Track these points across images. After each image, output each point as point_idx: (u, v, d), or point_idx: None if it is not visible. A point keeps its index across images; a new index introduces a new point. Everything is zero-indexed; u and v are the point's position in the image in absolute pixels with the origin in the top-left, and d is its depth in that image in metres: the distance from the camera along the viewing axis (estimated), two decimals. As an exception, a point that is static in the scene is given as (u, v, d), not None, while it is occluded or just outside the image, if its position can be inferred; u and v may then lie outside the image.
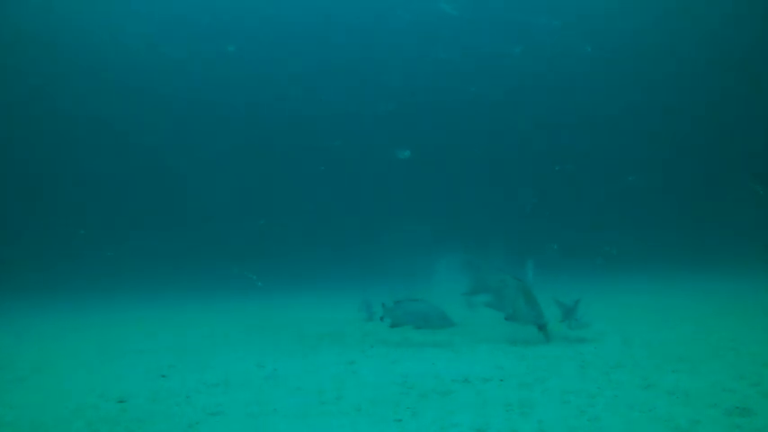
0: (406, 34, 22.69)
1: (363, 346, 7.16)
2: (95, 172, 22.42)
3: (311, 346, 7.29)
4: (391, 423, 4.05)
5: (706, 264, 16.59)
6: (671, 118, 22.92)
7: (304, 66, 23.07)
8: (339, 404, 4.56)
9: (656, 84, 22.92)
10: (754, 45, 21.35)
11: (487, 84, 22.87)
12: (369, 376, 5.49)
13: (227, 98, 23.27)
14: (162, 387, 5.33)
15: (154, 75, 22.52)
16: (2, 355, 7.55)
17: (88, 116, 22.18)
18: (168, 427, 4.16)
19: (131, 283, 17.09)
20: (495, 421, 3.99)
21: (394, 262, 14.79)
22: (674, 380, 4.91)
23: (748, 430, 3.65)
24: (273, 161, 23.55)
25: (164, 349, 7.47)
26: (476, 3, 21.85)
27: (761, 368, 5.19)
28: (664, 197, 21.96)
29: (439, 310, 6.88)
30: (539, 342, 6.81)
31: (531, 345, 6.76)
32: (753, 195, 19.32)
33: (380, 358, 6.36)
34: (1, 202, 20.85)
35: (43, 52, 21.22)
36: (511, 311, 6.87)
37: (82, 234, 19.80)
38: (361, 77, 23.39)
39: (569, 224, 20.87)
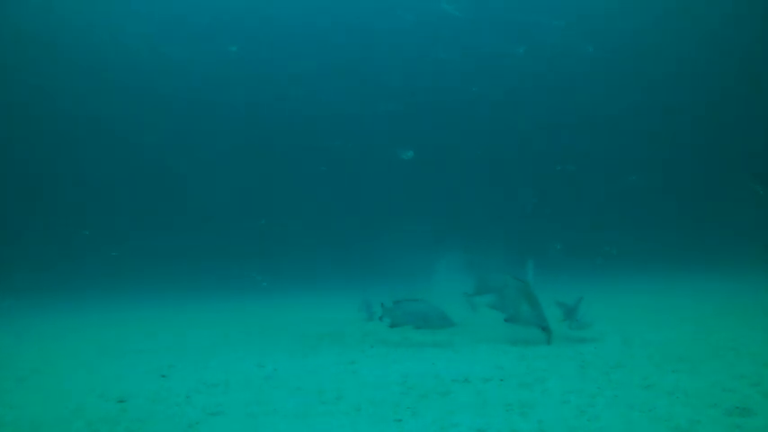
0: (406, 34, 22.69)
1: (363, 346, 7.16)
2: (95, 172, 22.42)
3: (311, 346, 7.29)
4: (391, 423, 4.05)
5: (706, 264, 16.58)
6: (671, 118, 22.92)
7: (304, 66, 23.07)
8: (339, 404, 4.56)
9: (656, 84, 22.91)
10: (754, 45, 21.35)
11: (488, 84, 22.87)
12: (369, 376, 5.49)
13: (228, 98, 23.27)
14: (162, 387, 5.33)
15: (154, 75, 22.53)
16: (2, 355, 7.55)
17: (88, 116, 22.19)
18: (168, 427, 4.16)
19: (131, 283, 17.10)
20: (495, 421, 3.99)
21: (394, 262, 14.79)
22: (674, 380, 4.91)
23: (748, 430, 3.65)
24: (274, 161, 23.55)
25: (164, 349, 7.47)
26: (476, 3, 21.85)
27: (761, 368, 5.19)
28: (664, 197, 21.95)
29: (439, 310, 6.88)
30: (539, 342, 6.81)
31: (531, 345, 6.76)
32: (753, 195, 19.32)
33: (380, 358, 6.36)
34: (1, 202, 20.85)
35: (43, 52, 21.22)
36: (513, 313, 6.86)
37: (86, 234, 19.81)
38: (361, 77, 23.39)
39: (569, 224, 20.87)
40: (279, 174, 23.57)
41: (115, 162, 22.43)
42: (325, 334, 8.30)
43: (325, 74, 23.28)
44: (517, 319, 6.82)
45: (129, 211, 22.26)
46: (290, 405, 4.59)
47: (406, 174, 22.21)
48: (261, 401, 4.72)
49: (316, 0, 22.20)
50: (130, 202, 22.48)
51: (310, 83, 23.27)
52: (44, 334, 9.48)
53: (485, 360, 6.03)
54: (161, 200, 22.50)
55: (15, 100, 21.41)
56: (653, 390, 4.63)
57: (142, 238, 20.73)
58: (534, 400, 4.47)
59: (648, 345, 6.51)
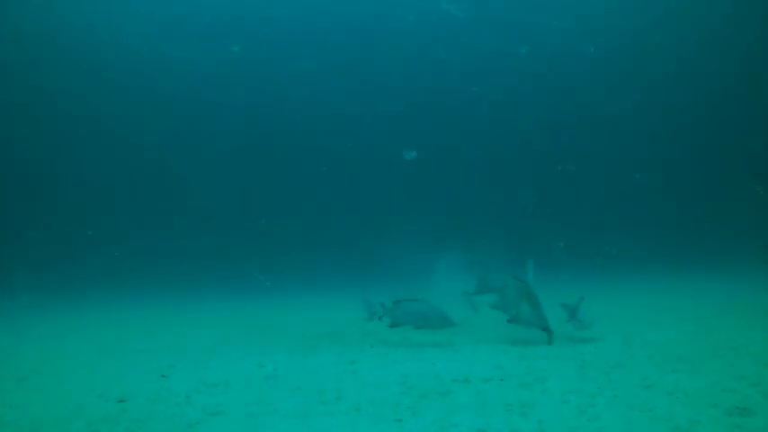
0: (406, 34, 22.69)
1: (363, 346, 7.16)
2: (95, 171, 22.42)
3: (311, 346, 7.29)
4: (391, 423, 4.05)
5: (706, 264, 16.58)
6: (671, 118, 22.93)
7: (305, 66, 23.07)
8: (339, 404, 4.57)
9: (657, 84, 22.92)
10: (754, 45, 21.36)
11: (489, 84, 22.87)
12: (369, 376, 5.49)
13: (229, 98, 23.28)
14: (162, 387, 5.34)
15: (154, 75, 22.53)
16: (2, 355, 7.55)
17: (88, 116, 22.19)
18: (168, 427, 4.16)
19: (131, 283, 17.10)
20: (495, 421, 3.99)
21: (394, 262, 14.80)
22: (674, 380, 4.91)
23: (748, 430, 3.65)
24: (274, 161, 23.56)
25: (164, 349, 7.48)
26: (477, 3, 21.85)
27: (761, 368, 5.19)
28: (664, 197, 21.95)
29: (439, 310, 6.88)
30: (539, 342, 6.81)
31: (531, 345, 6.76)
32: (753, 195, 19.31)
33: (381, 358, 6.36)
34: (1, 201, 20.86)
35: (43, 52, 21.22)
36: (514, 313, 6.87)
37: (89, 234, 19.82)
38: (361, 77, 23.40)
39: (570, 224, 20.87)
40: (279, 174, 23.58)
41: (115, 162, 22.44)
42: (325, 334, 8.30)
43: (326, 74, 23.28)
44: (518, 319, 6.82)
45: (129, 210, 22.26)
46: (290, 405, 4.59)
47: (407, 174, 22.22)
48: (261, 401, 4.72)
49: (316, 0, 22.21)
50: (130, 202, 22.48)
51: (311, 83, 23.28)
52: (44, 334, 9.48)
53: (485, 360, 6.03)
54: (161, 199, 22.51)
55: (16, 100, 21.42)
56: (653, 390, 4.63)
57: (142, 238, 20.73)
58: (534, 400, 4.47)
59: (648, 345, 6.51)
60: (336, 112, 23.19)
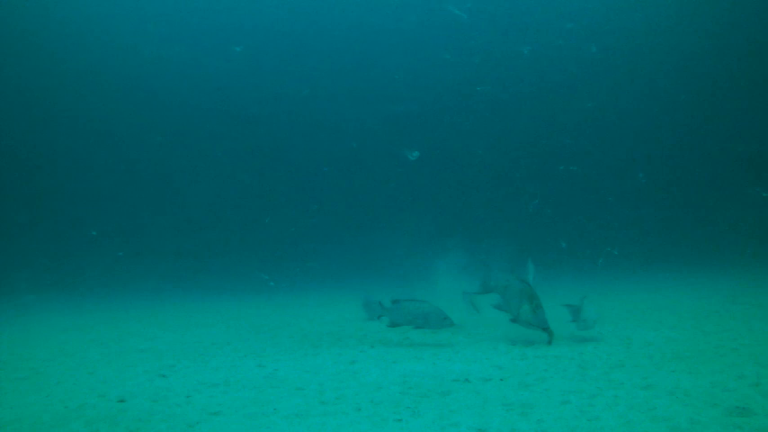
0: (407, 34, 22.69)
1: (363, 347, 7.16)
2: (96, 172, 22.42)
3: (311, 346, 7.29)
4: (391, 423, 4.05)
5: (706, 263, 16.59)
6: (671, 118, 22.92)
7: (305, 66, 23.08)
8: (339, 404, 4.57)
9: (658, 84, 22.92)
10: (757, 45, 21.34)
11: (492, 83, 22.86)
12: (369, 376, 5.49)
13: (231, 98, 23.29)
14: (162, 387, 5.34)
15: (157, 74, 22.53)
16: (2, 355, 7.55)
17: (89, 116, 22.20)
18: (168, 426, 4.16)
19: (131, 282, 17.10)
20: (494, 421, 3.99)
21: (395, 261, 14.79)
22: (674, 380, 4.91)
23: (748, 430, 3.65)
24: (274, 161, 23.56)
25: (164, 349, 7.48)
26: (478, 3, 21.84)
27: (761, 368, 5.19)
28: (664, 197, 21.96)
29: (439, 309, 6.88)
30: (539, 342, 6.82)
31: (531, 345, 6.76)
32: (754, 195, 19.31)
33: (381, 358, 6.36)
34: (1, 201, 20.86)
35: (43, 53, 21.23)
36: (517, 314, 6.87)
37: (94, 235, 19.83)
38: (363, 78, 23.40)
39: (570, 224, 20.87)
40: (279, 174, 23.59)
41: (115, 162, 22.44)
42: (325, 334, 8.30)
43: (326, 74, 23.29)
44: (520, 320, 6.83)
45: (129, 210, 22.26)
46: (290, 405, 4.59)
47: (407, 174, 22.22)
48: (261, 401, 4.73)
49: (320, 1, 22.23)
50: (130, 202, 22.48)
51: (312, 83, 23.29)
52: (44, 334, 9.48)
53: (485, 360, 6.03)
54: (161, 199, 22.51)
55: (16, 100, 21.43)
56: (653, 390, 4.63)
57: (142, 238, 20.74)
58: (534, 400, 4.47)
59: (648, 345, 6.51)
60: (340, 113, 23.21)
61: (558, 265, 15.33)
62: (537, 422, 3.93)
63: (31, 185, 21.82)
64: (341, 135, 23.29)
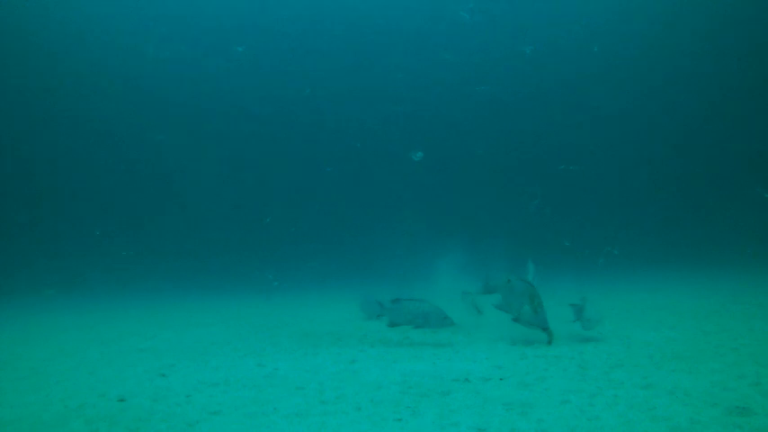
0: (408, 34, 22.70)
1: (363, 346, 7.16)
2: (96, 172, 22.43)
3: (311, 346, 7.29)
4: (391, 422, 4.05)
5: (706, 263, 16.58)
6: (672, 118, 22.93)
7: (306, 66, 23.08)
8: (339, 403, 4.57)
9: (658, 84, 22.92)
10: (755, 45, 21.34)
11: (493, 84, 22.87)
12: (369, 375, 5.49)
13: (233, 98, 23.29)
14: (162, 386, 5.34)
15: (158, 74, 22.54)
16: (2, 355, 7.56)
17: (90, 116, 22.20)
18: (168, 426, 4.16)
19: (131, 282, 17.09)
20: (494, 421, 3.99)
21: (395, 261, 14.78)
22: (674, 380, 4.90)
23: (748, 430, 3.65)
24: (276, 161, 23.57)
25: (164, 349, 7.48)
26: (479, 3, 21.84)
27: (761, 368, 5.19)
28: (664, 196, 21.95)
29: (439, 309, 6.88)
30: (539, 342, 6.81)
31: (531, 344, 6.76)
32: (755, 195, 19.31)
33: (381, 358, 6.36)
34: (1, 201, 20.86)
35: (45, 52, 21.23)
36: (518, 313, 6.87)
37: (97, 235, 19.84)
38: (365, 79, 23.40)
39: (570, 224, 20.87)
40: (282, 173, 23.59)
41: (116, 162, 22.45)
42: (325, 333, 8.30)
43: (328, 74, 23.29)
44: (521, 320, 6.83)
45: (129, 210, 22.26)
46: (290, 404, 4.59)
47: (407, 173, 22.22)
48: (261, 401, 4.73)
49: (323, 2, 22.24)
50: (130, 202, 22.49)
51: (314, 83, 23.29)
52: (44, 333, 9.48)
53: (485, 360, 6.03)
54: (162, 199, 22.52)
55: (16, 100, 21.43)
56: (653, 389, 4.63)
57: (142, 238, 20.74)
58: (534, 399, 4.47)
59: (648, 344, 6.51)
60: (341, 113, 23.21)
61: (557, 264, 15.30)
62: (537, 422, 3.93)
63: (31, 185, 21.80)
64: (341, 135, 23.29)
